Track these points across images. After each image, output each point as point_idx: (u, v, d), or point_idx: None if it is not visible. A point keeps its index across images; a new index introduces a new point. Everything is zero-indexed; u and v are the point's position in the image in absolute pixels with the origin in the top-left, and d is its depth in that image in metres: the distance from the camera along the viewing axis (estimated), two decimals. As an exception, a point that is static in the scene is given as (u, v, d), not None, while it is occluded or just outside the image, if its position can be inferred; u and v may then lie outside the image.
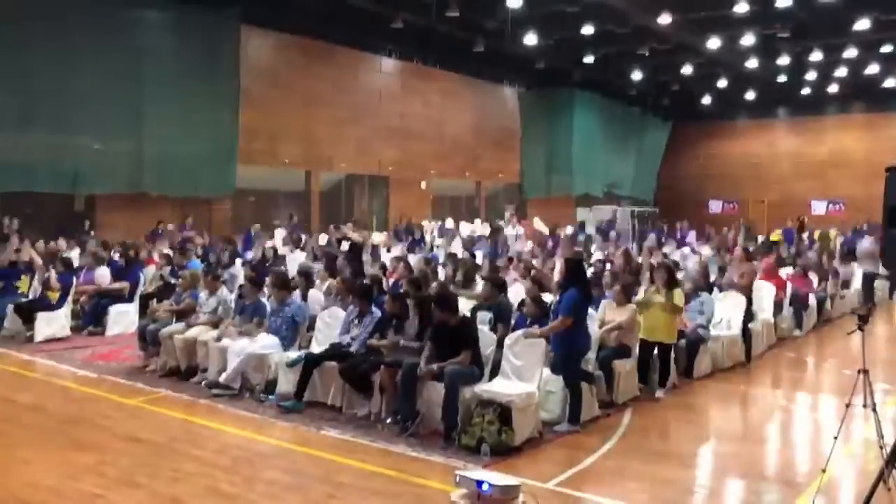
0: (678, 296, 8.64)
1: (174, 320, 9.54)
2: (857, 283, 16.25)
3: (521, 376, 7.15)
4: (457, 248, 19.11)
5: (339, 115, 24.44)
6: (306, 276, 10.59)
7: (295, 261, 15.10)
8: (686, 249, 19.32)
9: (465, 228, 25.79)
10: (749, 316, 10.43)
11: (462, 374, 6.92)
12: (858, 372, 5.64)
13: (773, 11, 21.60)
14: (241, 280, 11.29)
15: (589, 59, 27.23)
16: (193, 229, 19.72)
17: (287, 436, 6.94)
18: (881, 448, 5.28)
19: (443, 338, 7.17)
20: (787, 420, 8.18)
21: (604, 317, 8.55)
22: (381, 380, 7.28)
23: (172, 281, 12.04)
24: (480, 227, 26.42)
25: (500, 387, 6.93)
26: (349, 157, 25.08)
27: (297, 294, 9.74)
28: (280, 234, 20.89)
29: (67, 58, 17.04)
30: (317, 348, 8.33)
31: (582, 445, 6.74)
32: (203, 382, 8.49)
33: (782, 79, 30.85)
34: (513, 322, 8.44)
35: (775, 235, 25.62)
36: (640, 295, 9.03)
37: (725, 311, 10.28)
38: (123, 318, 12.00)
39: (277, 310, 8.82)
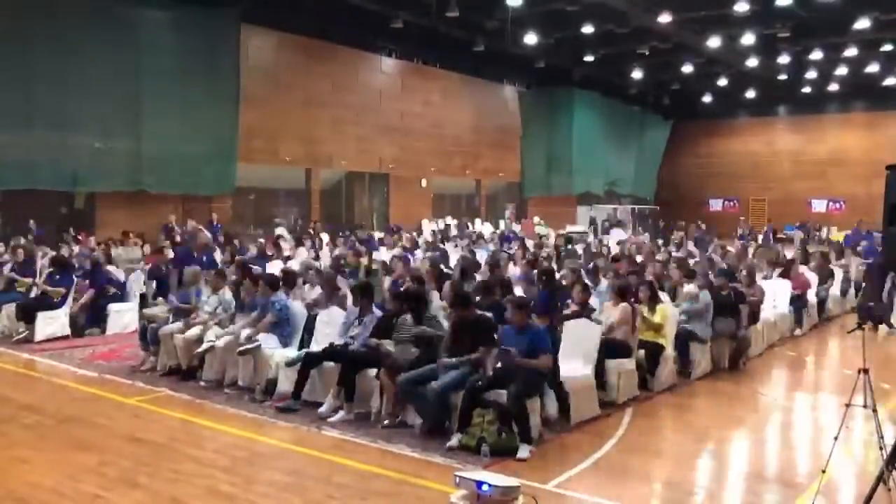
0: (660, 313, 8.86)
1: (171, 319, 9.52)
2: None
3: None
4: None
5: (339, 114, 24.48)
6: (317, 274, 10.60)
7: (298, 258, 15.15)
8: (691, 245, 19.48)
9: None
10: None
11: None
12: (859, 371, 5.63)
13: (774, 11, 21.61)
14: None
15: (589, 59, 27.26)
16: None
17: (287, 436, 6.93)
18: (881, 449, 5.26)
19: (464, 335, 7.11)
20: (787, 420, 8.17)
21: (600, 315, 8.61)
22: (382, 381, 7.28)
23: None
24: (481, 227, 26.47)
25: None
26: (349, 154, 25.12)
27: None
28: (282, 232, 20.94)
29: (68, 56, 17.07)
30: (316, 348, 8.31)
31: (582, 446, 6.73)
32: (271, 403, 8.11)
33: (782, 77, 30.88)
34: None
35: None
36: None
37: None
38: (122, 318, 12.00)
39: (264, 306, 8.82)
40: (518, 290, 10.12)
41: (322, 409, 7.39)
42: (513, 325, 7.00)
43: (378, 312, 8.08)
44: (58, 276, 11.77)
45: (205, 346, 8.66)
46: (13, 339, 11.11)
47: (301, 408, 7.63)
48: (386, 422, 7.16)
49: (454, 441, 6.50)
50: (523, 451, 6.35)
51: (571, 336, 7.99)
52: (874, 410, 5.51)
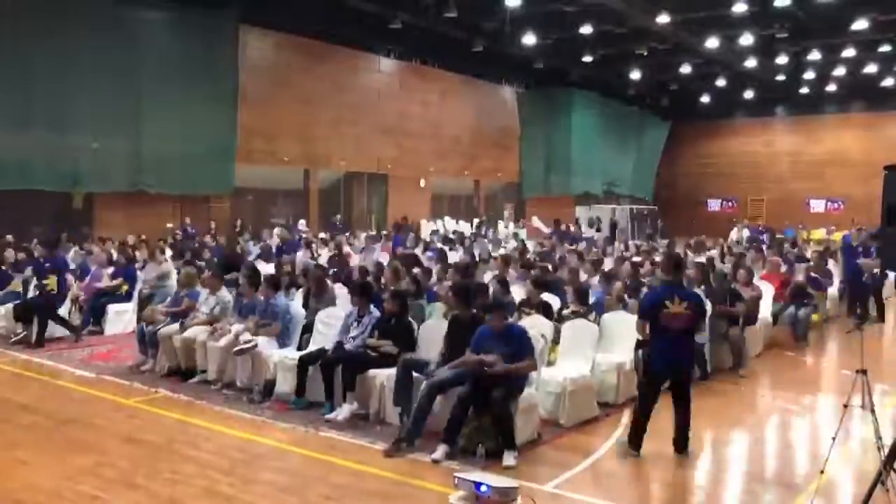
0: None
1: (169, 320, 9.51)
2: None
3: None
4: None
5: (337, 114, 24.49)
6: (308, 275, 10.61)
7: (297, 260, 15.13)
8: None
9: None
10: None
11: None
12: (857, 372, 5.64)
13: (772, 11, 21.63)
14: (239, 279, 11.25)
15: (588, 59, 27.26)
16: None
17: (285, 437, 6.93)
18: (879, 449, 5.27)
19: (462, 336, 6.97)
20: (786, 421, 8.17)
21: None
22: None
23: None
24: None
25: (484, 394, 6.85)
26: (348, 155, 25.13)
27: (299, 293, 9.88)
28: (279, 233, 20.87)
29: (67, 57, 17.10)
30: (315, 348, 8.31)
31: (581, 447, 6.73)
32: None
33: (781, 78, 30.91)
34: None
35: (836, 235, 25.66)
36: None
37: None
38: (121, 318, 11.98)
39: (265, 307, 8.82)
40: (515, 290, 10.15)
41: (339, 416, 7.27)
42: (491, 328, 6.62)
43: (377, 312, 8.06)
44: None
45: (212, 344, 8.65)
46: (11, 340, 11.08)
47: (306, 406, 7.65)
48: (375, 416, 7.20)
49: (439, 453, 6.24)
50: (508, 459, 6.09)
51: (570, 336, 8.01)
52: (872, 411, 5.51)
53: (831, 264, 14.85)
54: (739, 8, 20.77)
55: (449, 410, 6.42)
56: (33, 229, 17.28)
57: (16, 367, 9.74)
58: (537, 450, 6.64)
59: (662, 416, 7.98)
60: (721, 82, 31.96)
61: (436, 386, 6.59)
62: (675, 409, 6.61)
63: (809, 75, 30.81)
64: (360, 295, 8.20)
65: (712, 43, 24.47)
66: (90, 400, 8.18)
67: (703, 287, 10.31)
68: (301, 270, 11.59)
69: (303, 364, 7.81)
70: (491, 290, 9.12)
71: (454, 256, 15.86)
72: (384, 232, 22.79)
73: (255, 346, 8.27)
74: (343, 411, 7.29)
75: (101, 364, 9.78)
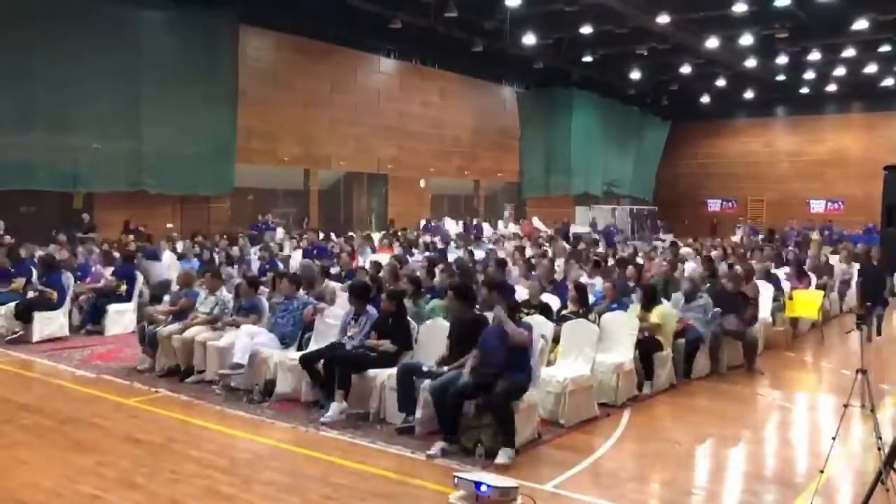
0: (656, 315, 8.84)
1: (170, 319, 9.51)
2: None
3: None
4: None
5: (337, 114, 24.50)
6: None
7: (296, 259, 15.22)
8: (689, 250, 19.34)
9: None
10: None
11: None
12: (857, 372, 5.64)
13: (772, 11, 21.63)
14: (237, 279, 11.26)
15: (588, 59, 27.27)
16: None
17: (285, 436, 6.93)
18: (879, 449, 5.26)
19: (462, 334, 6.98)
20: (786, 420, 8.18)
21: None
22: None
23: None
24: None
25: (485, 391, 6.85)
26: (348, 155, 25.14)
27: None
28: (280, 232, 20.97)
29: (67, 57, 17.10)
30: (315, 348, 8.31)
31: (580, 447, 6.73)
32: (216, 385, 8.39)
33: (781, 78, 30.91)
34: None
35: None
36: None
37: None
38: (121, 318, 11.97)
39: (283, 305, 8.85)
40: (520, 290, 10.15)
41: (329, 414, 7.25)
42: (494, 329, 6.64)
43: (374, 312, 8.06)
44: (44, 277, 11.71)
45: (211, 344, 8.66)
46: (7, 338, 11.07)
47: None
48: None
49: (435, 449, 6.27)
50: (502, 457, 6.06)
51: (570, 336, 8.01)
52: (872, 411, 5.52)
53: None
54: (739, 8, 20.76)
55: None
56: (33, 229, 17.29)
57: (16, 367, 9.74)
58: (537, 450, 6.64)
59: (663, 417, 8.01)
60: (721, 82, 31.95)
61: (443, 385, 6.57)
62: None
63: (809, 75, 30.81)
64: (356, 295, 8.21)
65: (712, 43, 24.47)
66: (90, 400, 8.18)
67: (707, 284, 10.36)
68: (300, 270, 11.60)
69: (305, 363, 7.81)
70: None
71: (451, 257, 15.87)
72: (383, 232, 22.78)
73: (243, 370, 8.29)
74: (332, 411, 7.28)
75: (101, 364, 9.78)
